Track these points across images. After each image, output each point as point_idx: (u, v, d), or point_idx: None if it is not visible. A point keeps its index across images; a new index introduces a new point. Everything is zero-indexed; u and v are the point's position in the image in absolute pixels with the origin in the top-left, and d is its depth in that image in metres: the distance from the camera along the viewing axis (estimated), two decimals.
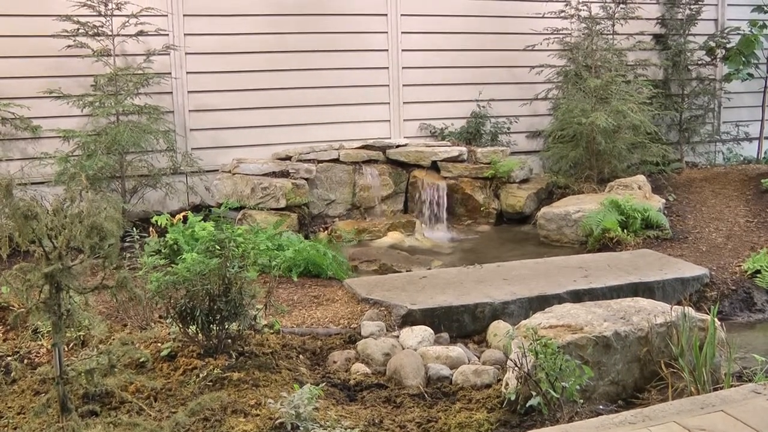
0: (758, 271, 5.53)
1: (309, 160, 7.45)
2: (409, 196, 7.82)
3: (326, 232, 7.08)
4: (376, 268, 6.13)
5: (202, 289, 3.71)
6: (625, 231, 6.40)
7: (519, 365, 3.37)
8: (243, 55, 7.65)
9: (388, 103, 8.30)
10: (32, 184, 6.49)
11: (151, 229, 5.82)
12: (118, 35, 6.85)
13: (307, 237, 6.65)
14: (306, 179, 7.18)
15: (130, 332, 4.18)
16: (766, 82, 9.47)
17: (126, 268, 2.87)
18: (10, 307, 4.39)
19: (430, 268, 6.07)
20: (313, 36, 7.89)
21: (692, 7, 9.24)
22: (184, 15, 7.39)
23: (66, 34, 6.64)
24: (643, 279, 5.15)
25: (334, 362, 3.99)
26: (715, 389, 3.42)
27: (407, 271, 5.94)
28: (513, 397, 3.38)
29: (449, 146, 7.94)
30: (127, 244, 5.12)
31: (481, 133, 8.48)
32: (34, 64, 6.91)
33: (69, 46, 6.71)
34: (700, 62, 9.44)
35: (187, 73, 7.46)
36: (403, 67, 8.29)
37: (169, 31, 7.30)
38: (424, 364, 3.91)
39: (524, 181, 7.95)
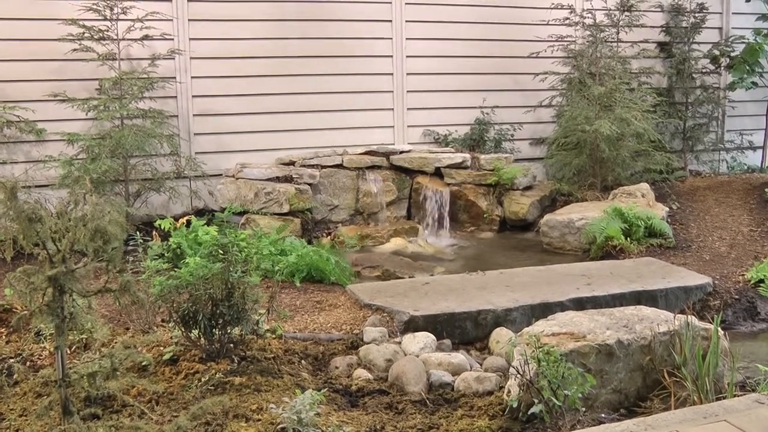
0: (762, 281, 5.52)
1: (312, 166, 7.46)
2: (413, 202, 7.82)
3: (329, 237, 7.08)
4: (379, 273, 6.13)
5: (204, 294, 3.71)
6: (628, 239, 6.39)
7: (521, 372, 3.36)
8: (247, 60, 7.67)
9: (392, 109, 8.31)
10: (36, 186, 6.50)
11: (154, 233, 5.82)
12: (124, 39, 6.88)
13: (310, 242, 6.65)
14: (309, 184, 7.19)
15: (132, 336, 4.18)
16: None
17: (129, 272, 2.88)
18: (14, 309, 4.40)
19: (432, 275, 6.07)
20: (317, 41, 7.91)
21: (697, 15, 9.25)
22: (189, 20, 7.42)
23: (71, 38, 6.66)
24: (646, 287, 5.14)
25: (336, 368, 3.98)
26: (718, 399, 3.40)
27: (410, 277, 5.94)
28: (515, 405, 3.37)
29: (453, 153, 7.95)
30: (130, 247, 5.12)
31: (485, 140, 8.49)
32: (40, 67, 6.94)
33: (74, 49, 6.73)
34: (704, 70, 9.44)
35: (192, 77, 7.48)
36: (407, 74, 8.30)
37: (174, 35, 7.33)
38: (426, 371, 3.90)
39: (527, 188, 7.95)
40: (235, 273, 3.75)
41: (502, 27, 8.64)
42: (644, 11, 8.67)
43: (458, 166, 7.76)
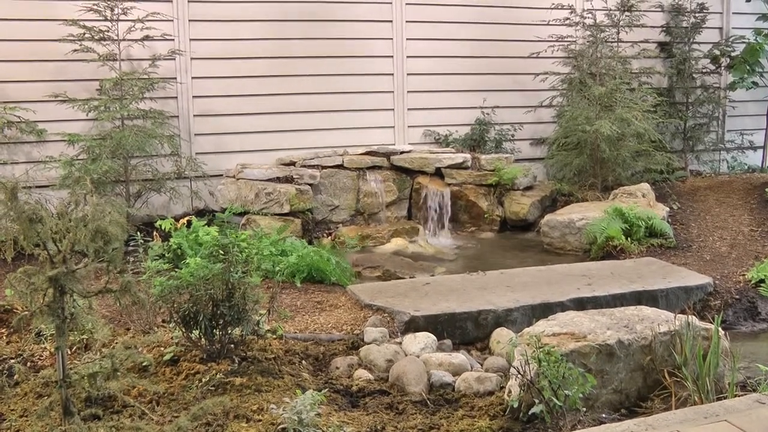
0: (762, 281, 5.52)
1: (313, 166, 7.46)
2: (413, 202, 7.82)
3: (330, 237, 7.08)
4: (380, 274, 6.13)
5: (205, 294, 3.71)
6: (628, 239, 6.39)
7: (522, 373, 3.36)
8: (248, 61, 7.67)
9: (393, 109, 8.31)
10: (37, 187, 6.50)
11: (155, 233, 5.82)
12: (124, 40, 6.88)
13: (310, 243, 6.65)
14: (310, 185, 7.19)
15: (133, 336, 4.18)
16: None
17: (130, 273, 2.88)
18: (14, 310, 4.40)
19: (433, 275, 6.07)
20: (318, 42, 7.92)
21: (697, 15, 9.25)
22: (189, 20, 7.42)
23: (72, 38, 6.66)
24: (647, 287, 5.14)
25: (337, 368, 3.99)
26: (719, 399, 3.40)
27: (411, 277, 5.94)
28: (516, 405, 3.38)
29: (453, 153, 7.95)
30: (131, 248, 5.12)
31: (485, 140, 8.49)
32: (41, 68, 6.94)
33: (75, 50, 6.73)
34: (704, 70, 9.44)
35: (192, 78, 7.49)
36: (407, 74, 8.30)
37: (175, 36, 7.33)
38: (426, 371, 3.90)
39: (528, 188, 7.95)
40: (236, 273, 3.75)
41: (502, 27, 8.64)
42: (644, 11, 8.66)
43: (459, 167, 7.76)
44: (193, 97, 7.52)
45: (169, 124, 7.18)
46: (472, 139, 8.46)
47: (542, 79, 8.49)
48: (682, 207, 7.62)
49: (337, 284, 5.57)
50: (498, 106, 8.59)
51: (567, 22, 8.48)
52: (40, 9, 6.90)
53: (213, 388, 3.50)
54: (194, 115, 7.54)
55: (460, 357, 4.08)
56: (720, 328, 3.64)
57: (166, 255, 5.32)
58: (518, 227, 7.72)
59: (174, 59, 7.29)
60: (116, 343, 3.86)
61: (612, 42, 8.55)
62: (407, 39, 8.26)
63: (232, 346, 3.86)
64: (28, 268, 2.61)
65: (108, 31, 6.80)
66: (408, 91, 8.33)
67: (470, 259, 6.84)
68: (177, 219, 6.16)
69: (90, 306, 2.77)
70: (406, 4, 8.22)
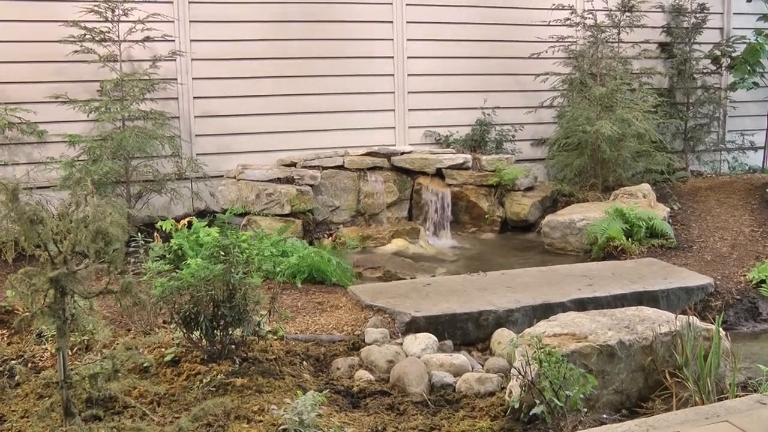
0: (763, 281, 5.51)
1: (314, 167, 7.46)
2: (414, 203, 7.82)
3: (330, 238, 7.08)
4: (381, 275, 6.13)
5: (206, 295, 3.71)
6: (629, 240, 6.39)
7: (523, 373, 3.36)
8: (249, 62, 7.67)
9: (393, 110, 8.31)
10: (38, 188, 6.51)
11: (155, 234, 5.82)
12: (125, 41, 6.88)
13: (311, 243, 6.65)
14: (311, 186, 7.19)
15: (134, 337, 4.18)
16: None
17: (130, 273, 2.89)
18: (15, 311, 4.40)
19: (434, 276, 6.07)
20: (318, 43, 7.92)
21: (698, 15, 9.25)
22: (190, 21, 7.42)
23: (73, 39, 6.66)
24: (648, 288, 5.14)
25: (338, 369, 3.99)
26: (720, 399, 3.40)
27: (411, 278, 5.94)
28: (516, 406, 3.38)
29: (454, 153, 7.95)
30: (131, 249, 5.12)
31: (486, 141, 8.49)
32: (41, 69, 6.95)
33: (76, 51, 6.73)
34: (705, 71, 9.43)
35: (193, 78, 7.49)
36: (408, 74, 8.30)
37: (175, 37, 7.33)
38: (427, 372, 3.90)
39: (529, 188, 7.95)
40: (237, 274, 3.75)
41: (503, 28, 8.64)
42: (645, 12, 8.66)
43: (459, 167, 7.76)
44: (194, 98, 7.52)
45: (169, 125, 7.17)
46: (472, 140, 8.46)
47: (543, 79, 8.49)
48: (682, 207, 7.62)
49: (337, 285, 5.57)
50: (499, 107, 8.59)
51: (568, 22, 8.48)
52: (41, 10, 6.90)
53: (214, 389, 3.50)
54: (195, 116, 7.54)
55: (461, 358, 4.08)
56: (721, 329, 3.64)
57: (167, 256, 5.32)
58: (519, 228, 7.72)
59: (175, 60, 7.29)
60: (117, 344, 3.86)
61: (613, 42, 8.55)
62: (408, 40, 8.26)
63: (233, 346, 3.86)
64: (29, 269, 2.61)
65: (109, 32, 6.80)
66: (409, 92, 8.33)
67: (471, 259, 6.84)
68: (178, 220, 6.15)
69: (91, 307, 2.77)
70: (407, 5, 8.22)
